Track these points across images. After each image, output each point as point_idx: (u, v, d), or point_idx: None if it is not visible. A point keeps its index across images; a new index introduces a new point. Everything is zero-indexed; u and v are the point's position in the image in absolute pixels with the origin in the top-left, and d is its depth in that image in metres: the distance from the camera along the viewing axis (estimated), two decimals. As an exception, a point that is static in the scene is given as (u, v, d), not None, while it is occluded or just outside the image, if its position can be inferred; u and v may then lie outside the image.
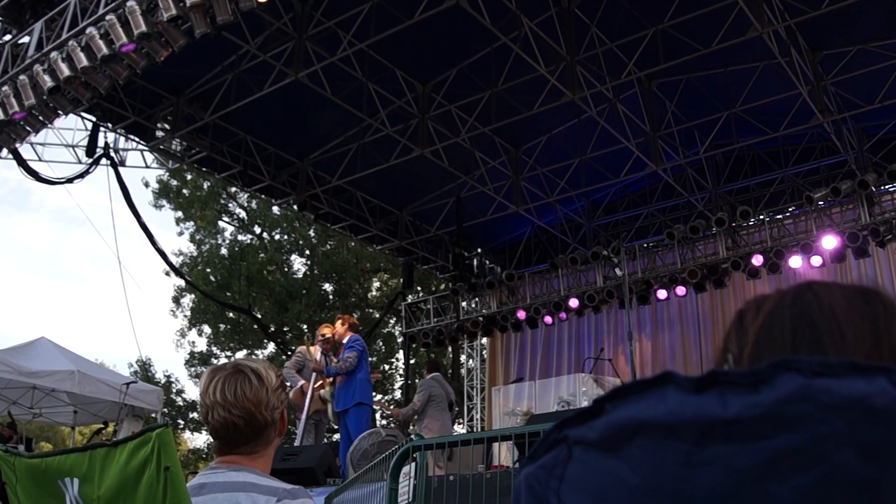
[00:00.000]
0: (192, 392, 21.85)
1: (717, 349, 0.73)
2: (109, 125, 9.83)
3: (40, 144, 11.32)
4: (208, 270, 20.38)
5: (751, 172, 11.33)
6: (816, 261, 9.90)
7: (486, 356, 14.18)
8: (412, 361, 17.03)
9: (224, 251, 20.80)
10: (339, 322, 7.81)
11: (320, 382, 7.85)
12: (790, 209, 11.00)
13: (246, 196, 20.47)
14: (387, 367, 21.69)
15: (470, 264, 13.16)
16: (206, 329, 21.30)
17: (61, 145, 11.59)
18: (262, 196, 12.26)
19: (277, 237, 21.49)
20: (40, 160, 11.18)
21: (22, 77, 6.87)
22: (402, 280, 13.80)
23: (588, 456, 0.56)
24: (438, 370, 8.96)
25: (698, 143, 10.39)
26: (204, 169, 11.32)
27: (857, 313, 0.66)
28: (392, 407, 15.07)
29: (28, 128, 7.33)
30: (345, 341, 7.58)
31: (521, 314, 12.25)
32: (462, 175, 11.06)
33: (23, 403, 10.96)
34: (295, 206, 11.52)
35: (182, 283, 20.61)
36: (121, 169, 10.04)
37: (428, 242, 13.19)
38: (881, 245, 9.57)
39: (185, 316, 21.58)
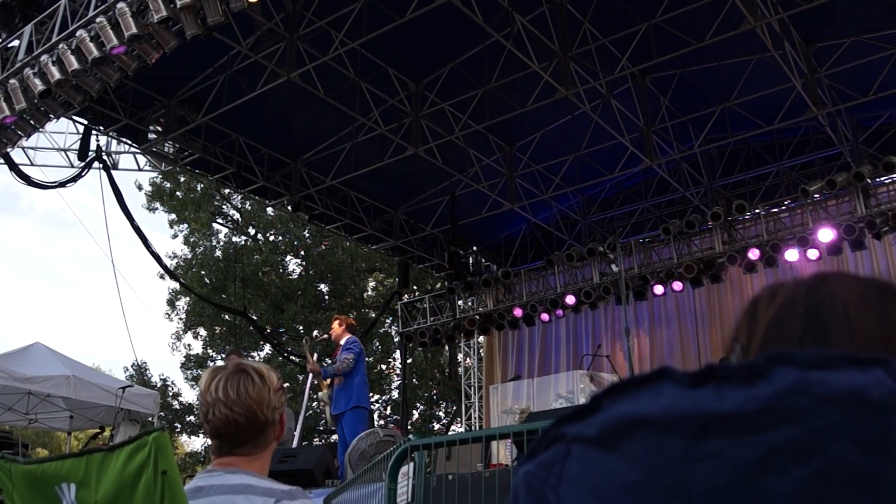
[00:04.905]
0: (189, 395, 21.83)
1: (727, 337, 0.73)
2: (101, 128, 9.79)
3: (32, 148, 11.31)
4: (203, 273, 20.34)
5: (746, 166, 11.34)
6: (813, 254, 9.90)
7: (483, 354, 14.17)
8: (409, 361, 17.02)
9: (218, 253, 20.76)
10: (337, 323, 7.78)
11: (316, 384, 7.83)
12: (786, 202, 11.01)
13: (239, 197, 20.47)
14: (384, 367, 21.69)
15: (465, 262, 13.15)
16: (202, 332, 21.28)
17: (53, 149, 11.57)
18: (256, 197, 12.23)
19: (272, 238, 21.46)
20: (32, 164, 11.17)
21: (12, 81, 6.85)
22: (397, 279, 13.78)
23: (586, 453, 0.56)
24: None
25: (693, 138, 10.40)
26: (197, 171, 11.29)
27: (871, 309, 0.65)
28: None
29: (19, 132, 7.31)
30: (342, 342, 7.55)
31: (518, 312, 12.24)
32: (456, 173, 11.05)
33: (18, 409, 10.92)
34: (289, 207, 11.50)
35: (177, 285, 20.57)
36: (113, 172, 10.03)
37: (423, 241, 13.17)
38: (877, 237, 9.57)
39: (181, 319, 21.56)
